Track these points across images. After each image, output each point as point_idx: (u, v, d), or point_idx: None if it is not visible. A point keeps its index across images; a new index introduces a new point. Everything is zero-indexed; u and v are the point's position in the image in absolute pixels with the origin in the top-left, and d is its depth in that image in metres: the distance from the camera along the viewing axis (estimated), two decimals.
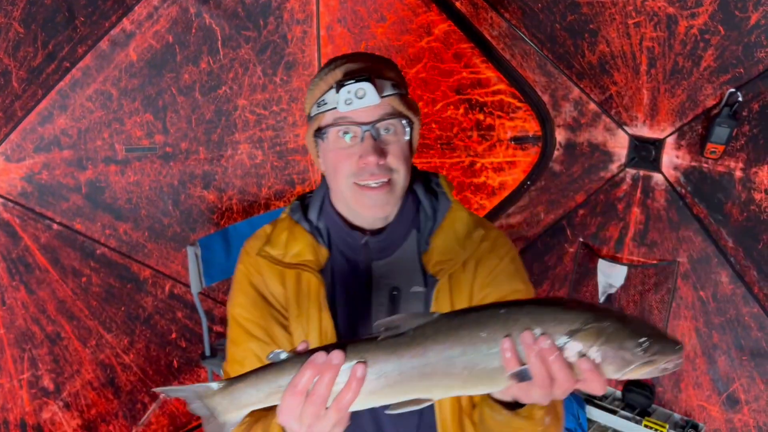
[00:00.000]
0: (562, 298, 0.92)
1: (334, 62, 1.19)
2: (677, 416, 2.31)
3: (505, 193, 2.52)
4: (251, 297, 1.25)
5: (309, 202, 1.29)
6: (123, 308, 2.16)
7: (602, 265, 2.37)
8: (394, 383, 0.87)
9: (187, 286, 2.16)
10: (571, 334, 0.80)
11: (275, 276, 1.24)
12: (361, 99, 1.11)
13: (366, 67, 1.16)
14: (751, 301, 2.11)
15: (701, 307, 2.23)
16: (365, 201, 1.15)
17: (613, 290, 2.39)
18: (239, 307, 1.25)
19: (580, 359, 0.81)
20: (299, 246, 1.24)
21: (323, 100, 1.16)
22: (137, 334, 2.22)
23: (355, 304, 1.22)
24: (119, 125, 2.01)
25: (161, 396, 2.32)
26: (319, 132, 1.17)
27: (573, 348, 0.81)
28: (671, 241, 2.25)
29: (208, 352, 2.18)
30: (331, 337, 1.19)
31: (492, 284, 1.20)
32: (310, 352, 0.88)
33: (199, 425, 2.49)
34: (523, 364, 0.81)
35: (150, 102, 2.05)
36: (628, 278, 2.35)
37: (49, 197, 1.92)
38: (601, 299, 2.43)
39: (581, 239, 2.43)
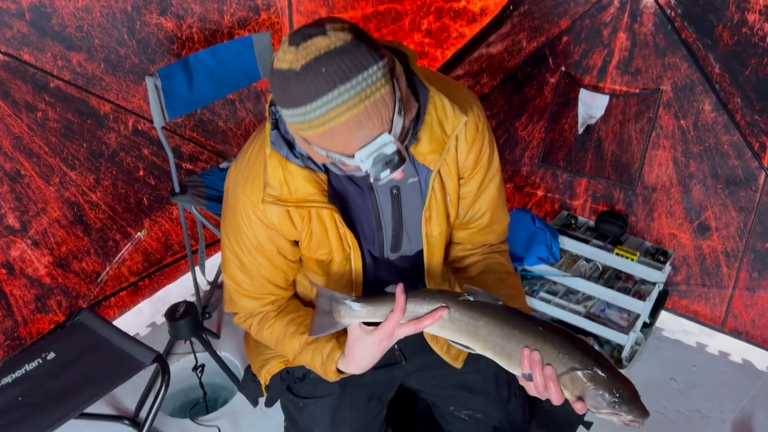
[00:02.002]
0: (585, 343, 1.20)
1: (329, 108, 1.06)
2: (648, 244, 2.35)
3: (487, 20, 2.37)
4: (267, 253, 1.35)
5: (286, 128, 1.25)
6: (85, 145, 2.06)
7: (583, 94, 2.29)
8: (454, 329, 1.24)
9: (151, 121, 2.05)
10: (573, 370, 1.13)
11: (284, 218, 1.31)
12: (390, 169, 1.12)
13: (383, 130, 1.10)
14: (732, 128, 2.07)
15: (681, 136, 2.19)
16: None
17: (592, 121, 2.34)
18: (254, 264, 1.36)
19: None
20: (298, 182, 1.26)
21: (328, 154, 1.12)
22: (103, 172, 2.14)
23: (365, 211, 1.34)
24: None
25: (138, 235, 2.30)
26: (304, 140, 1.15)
27: (570, 379, 1.14)
28: (656, 68, 2.16)
29: (177, 189, 2.12)
30: (357, 254, 1.37)
31: (475, 171, 1.38)
32: (419, 293, 1.25)
33: (172, 262, 2.50)
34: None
35: None
36: (608, 108, 2.29)
37: None
38: (580, 130, 2.38)
39: (563, 68, 2.33)
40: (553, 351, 1.15)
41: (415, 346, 1.77)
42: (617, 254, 2.22)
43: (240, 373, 2.19)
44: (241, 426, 1.98)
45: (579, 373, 1.13)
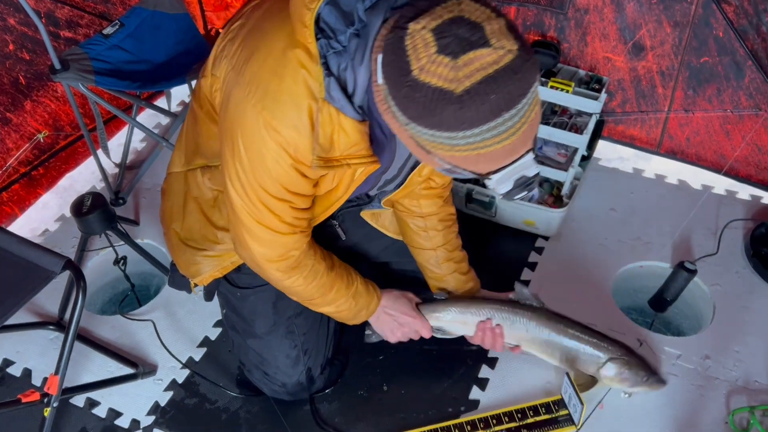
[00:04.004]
0: (616, 340, 1.59)
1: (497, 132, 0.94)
2: (582, 72, 2.23)
3: None
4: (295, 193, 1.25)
5: (345, 76, 1.10)
6: None
7: None
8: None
9: None
10: (611, 359, 1.54)
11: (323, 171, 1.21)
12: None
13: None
14: None
15: None
16: None
17: None
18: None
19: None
20: (352, 138, 1.16)
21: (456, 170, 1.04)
22: None
23: (383, 156, 1.29)
24: None
25: (37, 136, 2.03)
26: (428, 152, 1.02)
27: (610, 367, 1.54)
28: None
29: (57, 65, 1.83)
30: (352, 190, 1.33)
31: None
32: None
33: (66, 146, 2.24)
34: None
35: None
36: None
37: None
38: None
39: None
40: (595, 349, 1.55)
41: (353, 221, 1.68)
42: (552, 87, 2.09)
43: (167, 259, 2.05)
44: (177, 316, 1.87)
45: (618, 360, 1.54)
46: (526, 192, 1.05)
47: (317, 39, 1.06)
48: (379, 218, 1.69)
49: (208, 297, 1.61)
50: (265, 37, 1.13)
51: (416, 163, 1.43)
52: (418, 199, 1.58)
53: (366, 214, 1.66)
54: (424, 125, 0.94)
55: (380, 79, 0.98)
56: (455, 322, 1.59)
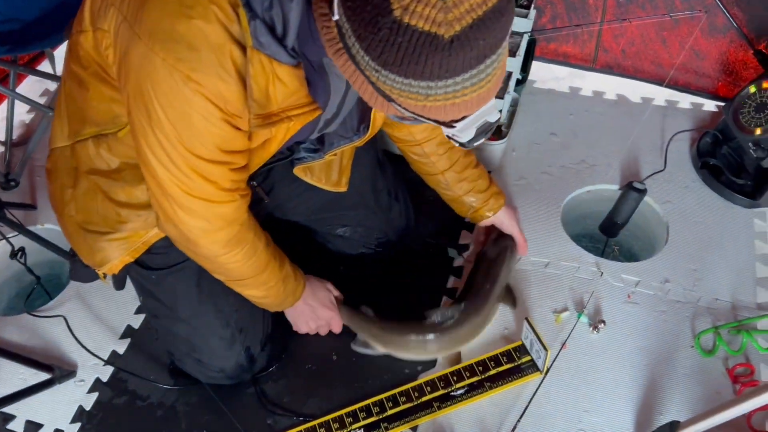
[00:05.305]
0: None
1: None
2: None
3: None
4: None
5: (271, 16, 0.93)
6: None
7: None
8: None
9: None
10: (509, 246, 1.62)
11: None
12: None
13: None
14: None
15: None
16: None
17: None
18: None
19: None
20: (290, 87, 1.02)
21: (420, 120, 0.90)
22: None
23: (320, 96, 1.12)
24: None
25: None
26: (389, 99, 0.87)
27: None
28: None
29: None
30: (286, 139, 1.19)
31: None
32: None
33: None
34: None
35: None
36: None
37: None
38: None
39: None
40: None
41: (278, 179, 1.51)
42: None
43: None
44: (93, 306, 1.66)
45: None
46: (485, 138, 0.94)
47: None
48: (314, 171, 1.51)
49: (119, 285, 1.42)
50: None
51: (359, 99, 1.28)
52: (408, 127, 1.46)
53: (299, 170, 1.49)
54: (401, 73, 0.81)
55: (337, 15, 0.82)
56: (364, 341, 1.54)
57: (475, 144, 0.95)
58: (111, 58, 1.05)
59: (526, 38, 1.89)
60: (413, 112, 0.88)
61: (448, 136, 0.97)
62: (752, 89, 1.76)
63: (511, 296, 1.59)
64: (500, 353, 1.48)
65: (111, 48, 1.03)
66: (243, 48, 0.94)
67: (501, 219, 1.60)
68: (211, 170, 1.07)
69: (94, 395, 1.51)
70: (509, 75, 1.90)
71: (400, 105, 0.87)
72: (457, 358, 1.50)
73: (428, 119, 0.89)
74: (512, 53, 1.89)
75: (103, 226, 1.29)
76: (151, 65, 0.95)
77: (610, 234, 1.83)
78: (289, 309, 1.48)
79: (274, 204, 1.52)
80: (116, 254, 1.30)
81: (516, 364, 1.46)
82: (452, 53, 0.78)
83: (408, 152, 1.54)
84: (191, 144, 1.02)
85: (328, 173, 1.53)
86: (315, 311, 1.49)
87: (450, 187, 1.55)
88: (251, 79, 0.97)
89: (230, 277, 1.29)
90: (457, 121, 0.89)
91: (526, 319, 1.44)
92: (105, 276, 1.36)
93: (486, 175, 1.58)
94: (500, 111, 1.90)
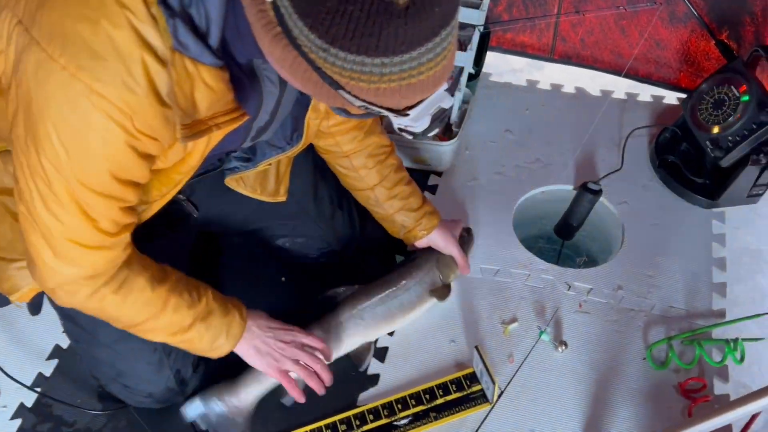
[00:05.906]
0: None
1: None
2: None
3: None
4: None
5: (191, 12, 0.84)
6: None
7: None
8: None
9: None
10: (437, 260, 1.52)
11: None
12: None
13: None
14: None
15: None
16: None
17: None
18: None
19: None
20: (215, 92, 0.91)
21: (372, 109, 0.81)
22: None
23: (250, 100, 1.05)
24: None
25: None
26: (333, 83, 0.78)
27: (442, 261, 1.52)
28: None
29: None
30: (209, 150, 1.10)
31: None
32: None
33: None
34: None
35: None
36: None
37: None
38: None
39: None
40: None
41: (207, 191, 1.42)
42: None
43: None
44: (15, 325, 1.56)
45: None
46: (439, 127, 0.88)
47: None
48: (248, 181, 1.42)
49: (35, 311, 1.33)
50: None
51: (298, 102, 1.20)
52: (334, 136, 1.36)
53: (231, 181, 1.40)
54: (352, 50, 0.73)
55: None
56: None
57: (429, 135, 0.88)
58: (2, 67, 0.94)
59: (477, 32, 1.80)
60: (364, 100, 0.79)
61: (399, 129, 0.90)
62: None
63: (443, 290, 1.49)
64: (449, 380, 1.39)
65: (3, 55, 0.93)
66: (160, 53, 0.85)
67: (435, 240, 1.49)
68: (95, 203, 0.96)
69: (17, 422, 1.42)
70: (461, 70, 1.81)
71: (350, 92, 0.79)
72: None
73: (380, 107, 0.81)
74: (464, 47, 1.80)
75: (11, 251, 1.19)
76: (47, 74, 0.85)
77: (565, 236, 1.77)
78: (246, 347, 1.28)
79: (206, 218, 1.43)
80: (25, 282, 1.21)
81: (465, 393, 1.38)
82: (408, 21, 0.71)
83: (335, 165, 1.45)
84: (81, 171, 0.92)
85: (263, 183, 1.44)
86: (277, 336, 1.30)
87: (380, 204, 1.46)
88: (175, 84, 0.87)
89: (121, 323, 1.17)
90: (410, 108, 0.82)
91: (476, 347, 1.37)
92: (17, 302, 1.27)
93: (418, 193, 1.49)
94: (452, 109, 1.82)
